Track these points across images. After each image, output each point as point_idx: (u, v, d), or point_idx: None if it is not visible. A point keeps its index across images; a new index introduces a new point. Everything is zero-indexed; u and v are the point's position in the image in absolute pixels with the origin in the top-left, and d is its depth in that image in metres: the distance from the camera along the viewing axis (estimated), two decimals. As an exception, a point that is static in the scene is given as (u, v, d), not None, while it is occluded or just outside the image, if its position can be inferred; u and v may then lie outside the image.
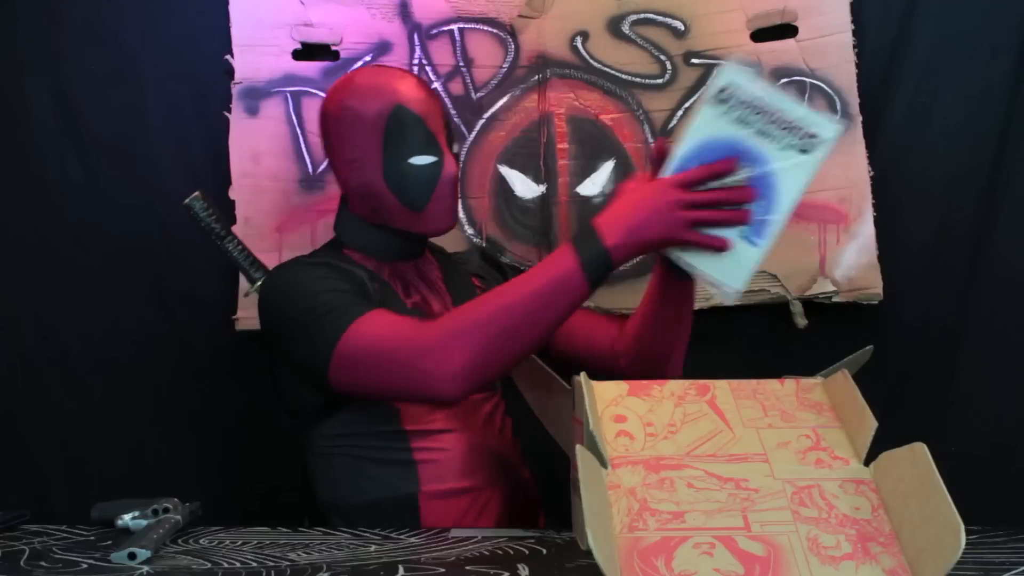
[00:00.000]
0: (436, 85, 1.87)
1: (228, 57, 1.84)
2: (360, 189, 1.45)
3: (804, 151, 1.15)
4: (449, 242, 1.64)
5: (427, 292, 1.48)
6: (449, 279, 1.53)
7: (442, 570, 1.03)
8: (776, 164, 1.15)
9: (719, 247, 1.17)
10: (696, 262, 1.19)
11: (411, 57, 1.88)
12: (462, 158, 1.87)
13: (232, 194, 1.83)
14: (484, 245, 1.84)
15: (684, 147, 1.18)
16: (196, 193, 1.64)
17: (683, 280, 1.31)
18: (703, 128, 1.18)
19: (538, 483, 1.54)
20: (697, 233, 1.16)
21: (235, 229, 1.81)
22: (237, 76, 1.84)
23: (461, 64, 1.89)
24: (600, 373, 1.27)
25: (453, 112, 1.88)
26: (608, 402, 1.09)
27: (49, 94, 1.84)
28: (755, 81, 1.17)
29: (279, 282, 1.40)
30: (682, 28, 1.89)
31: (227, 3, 1.84)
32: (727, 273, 1.17)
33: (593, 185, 1.88)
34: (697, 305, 1.84)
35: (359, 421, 1.40)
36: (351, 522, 1.32)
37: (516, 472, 1.46)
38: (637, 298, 1.84)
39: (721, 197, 1.17)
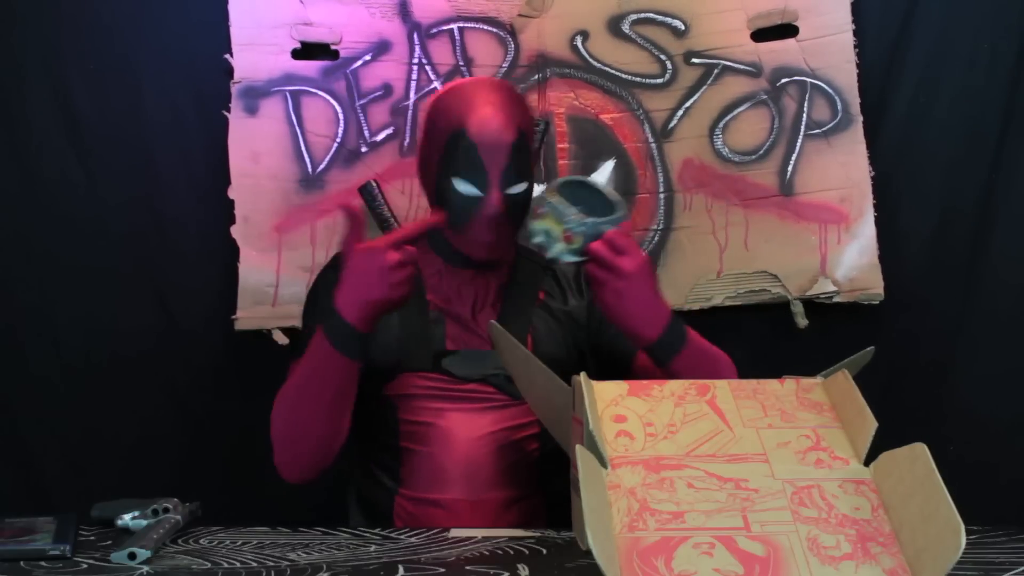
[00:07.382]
0: (436, 84, 1.87)
1: (227, 56, 1.84)
2: (425, 189, 1.49)
3: None
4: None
5: (472, 307, 1.47)
6: (510, 298, 1.50)
7: (442, 570, 1.03)
8: None
9: None
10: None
11: (411, 56, 1.88)
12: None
13: (231, 193, 1.83)
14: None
15: None
16: (371, 180, 1.82)
17: (664, 368, 1.33)
18: None
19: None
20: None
21: (234, 229, 1.82)
22: (236, 75, 1.84)
23: (461, 63, 1.88)
24: None
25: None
26: (608, 402, 1.09)
27: (49, 94, 1.84)
28: None
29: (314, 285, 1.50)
30: (682, 28, 1.89)
31: (226, 2, 1.83)
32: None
33: (593, 185, 1.87)
34: (697, 305, 1.86)
35: (366, 425, 1.45)
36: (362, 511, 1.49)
37: (514, 489, 1.43)
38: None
39: None
